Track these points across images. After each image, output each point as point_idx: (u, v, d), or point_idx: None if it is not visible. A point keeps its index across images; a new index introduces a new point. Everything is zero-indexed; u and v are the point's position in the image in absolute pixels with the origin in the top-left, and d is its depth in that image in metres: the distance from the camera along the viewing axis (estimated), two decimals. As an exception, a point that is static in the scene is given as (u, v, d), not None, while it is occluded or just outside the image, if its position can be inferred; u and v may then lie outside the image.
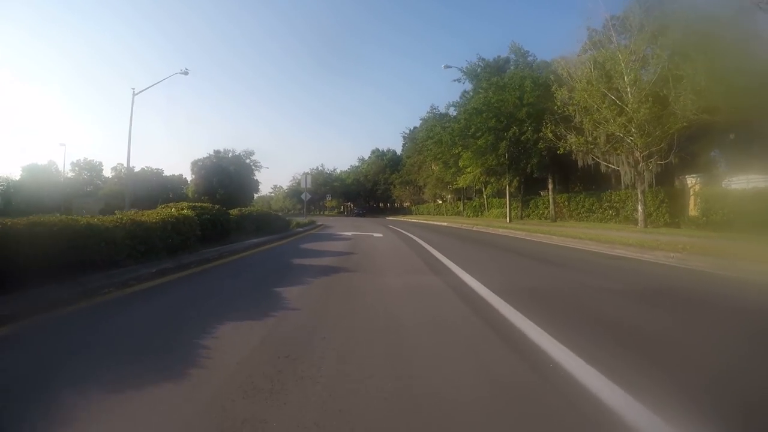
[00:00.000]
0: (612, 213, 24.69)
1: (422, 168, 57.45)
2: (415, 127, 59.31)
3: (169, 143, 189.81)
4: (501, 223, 25.44)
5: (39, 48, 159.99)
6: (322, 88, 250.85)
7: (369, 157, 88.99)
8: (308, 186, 28.47)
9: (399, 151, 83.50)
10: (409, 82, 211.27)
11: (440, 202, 59.20)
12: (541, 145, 23.53)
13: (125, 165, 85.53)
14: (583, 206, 26.90)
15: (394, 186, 71.26)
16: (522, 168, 27.37)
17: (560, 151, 21.96)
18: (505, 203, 36.37)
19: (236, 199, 75.05)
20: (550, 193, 27.38)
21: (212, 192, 72.31)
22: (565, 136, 21.50)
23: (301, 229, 18.57)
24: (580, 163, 23.55)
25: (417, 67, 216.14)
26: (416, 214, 63.64)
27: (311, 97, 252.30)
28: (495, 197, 40.09)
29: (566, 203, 28.24)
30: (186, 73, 32.07)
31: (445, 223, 29.42)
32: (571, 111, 20.83)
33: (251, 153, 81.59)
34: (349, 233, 17.98)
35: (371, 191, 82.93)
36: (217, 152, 75.73)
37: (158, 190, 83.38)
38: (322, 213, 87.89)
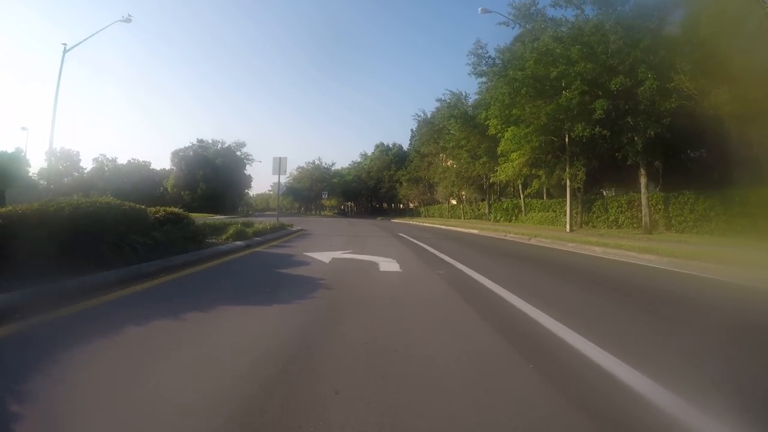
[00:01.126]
0: (747, 222, 15.69)
1: (433, 165, 48.84)
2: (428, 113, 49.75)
3: (159, 134, 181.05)
4: (572, 237, 16.40)
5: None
6: (325, 81, 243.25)
7: (372, 152, 79.87)
8: (284, 173, 19.54)
9: (406, 146, 74.66)
10: (416, 77, 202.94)
11: (454, 202, 50.22)
12: (669, 104, 14.28)
13: (108, 156, 76.54)
14: (691, 211, 17.82)
15: (401, 184, 62.03)
16: (619, 146, 17.91)
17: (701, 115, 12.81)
18: (553, 205, 27.48)
19: (222, 195, 66.50)
20: (643, 190, 18.21)
21: (194, 186, 64.08)
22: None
23: (224, 248, 9.42)
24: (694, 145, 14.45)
25: (425, 62, 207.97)
26: (425, 216, 54.61)
27: (314, 90, 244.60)
28: (533, 197, 31.13)
29: (661, 206, 19.17)
30: (129, 21, 25.08)
31: (475, 231, 20.56)
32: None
33: (242, 145, 72.51)
34: (330, 256, 9.07)
35: (374, 190, 73.71)
36: (201, 141, 66.55)
37: (144, 183, 74.66)
38: (318, 213, 78.93)
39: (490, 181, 27.84)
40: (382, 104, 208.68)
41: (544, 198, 30.61)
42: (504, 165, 23.33)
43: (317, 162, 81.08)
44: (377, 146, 78.98)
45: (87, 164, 75.31)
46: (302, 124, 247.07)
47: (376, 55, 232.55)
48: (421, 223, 33.81)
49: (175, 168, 66.42)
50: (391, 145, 78.42)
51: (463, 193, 43.45)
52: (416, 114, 40.40)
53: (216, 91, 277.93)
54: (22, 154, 64.37)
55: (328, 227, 22.57)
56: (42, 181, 63.00)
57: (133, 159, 76.23)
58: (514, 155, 21.76)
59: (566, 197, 21.30)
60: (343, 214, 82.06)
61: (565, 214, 21.45)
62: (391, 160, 73.04)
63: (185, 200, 60.48)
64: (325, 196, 65.22)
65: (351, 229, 21.36)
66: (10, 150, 63.65)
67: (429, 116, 43.71)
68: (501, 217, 33.59)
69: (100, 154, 77.78)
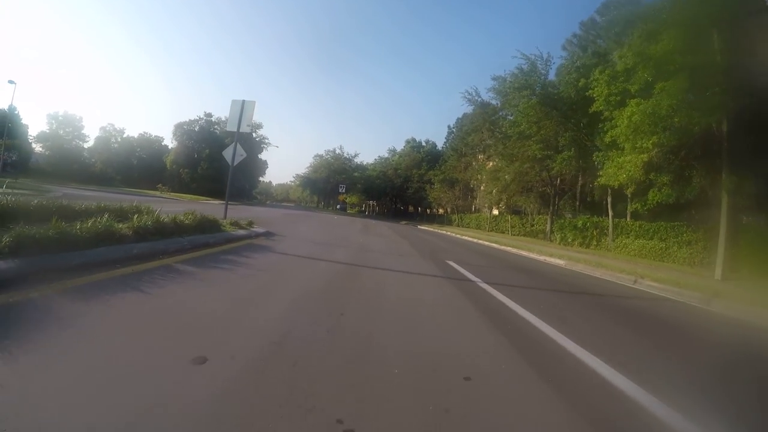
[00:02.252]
0: None
1: (471, 166, 39.94)
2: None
3: (179, 112, 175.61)
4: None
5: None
6: (361, 70, 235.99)
7: (403, 148, 70.95)
8: (249, 125, 11.17)
9: (440, 145, 65.61)
10: (453, 73, 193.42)
11: (496, 212, 41.10)
12: None
13: (116, 126, 69.70)
14: None
15: (431, 185, 52.91)
16: None
17: None
18: (662, 230, 18.21)
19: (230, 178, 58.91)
20: None
21: (194, 164, 56.31)
22: None
23: None
24: None
25: (464, 57, 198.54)
26: (458, 224, 45.61)
27: (347, 80, 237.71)
28: (620, 216, 22.02)
29: None
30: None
31: (561, 262, 11.58)
32: None
33: (258, 126, 64.62)
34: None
35: (401, 189, 64.72)
36: (209, 116, 59.30)
37: (153, 159, 68.17)
38: (335, 209, 70.52)
39: (601, 182, 17.57)
40: (413, 102, 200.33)
41: (627, 218, 21.47)
42: (620, 159, 14.28)
43: (338, 151, 72.33)
44: (408, 141, 70.27)
45: (93, 132, 69.45)
46: (324, 116, 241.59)
47: (413, 46, 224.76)
48: (459, 235, 24.99)
49: (177, 143, 59.12)
50: (423, 142, 69.48)
51: (521, 202, 34.11)
52: (467, 91, 30.84)
53: (238, 74, 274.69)
54: (15, 112, 58.54)
55: (325, 231, 14.21)
56: (39, 146, 56.99)
57: (145, 132, 69.13)
58: (650, 140, 12.74)
59: (708, 219, 12.31)
60: (362, 213, 73.33)
61: (702, 247, 12.48)
62: (423, 157, 64.08)
63: (183, 179, 53.20)
64: (342, 190, 55.99)
65: (358, 239, 12.93)
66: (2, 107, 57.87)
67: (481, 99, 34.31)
68: (572, 239, 24.37)
69: (108, 123, 71.85)
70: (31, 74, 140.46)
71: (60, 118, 56.78)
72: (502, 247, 17.24)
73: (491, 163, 36.46)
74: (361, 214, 67.51)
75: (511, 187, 29.64)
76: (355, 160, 73.64)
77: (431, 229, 33.96)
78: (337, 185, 61.71)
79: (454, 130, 56.90)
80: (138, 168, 62.75)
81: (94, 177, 50.39)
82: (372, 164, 74.74)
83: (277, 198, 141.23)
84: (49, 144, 54.42)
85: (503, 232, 35.23)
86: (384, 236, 16.29)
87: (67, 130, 58.53)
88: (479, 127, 35.10)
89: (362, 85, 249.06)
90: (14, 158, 48.04)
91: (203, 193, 48.20)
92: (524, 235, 31.56)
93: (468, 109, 38.34)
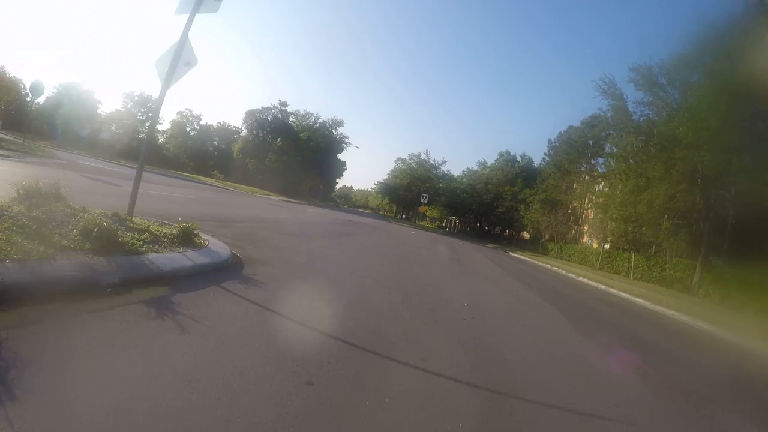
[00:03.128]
0: None
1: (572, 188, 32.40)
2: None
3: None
4: None
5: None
6: (450, 81, 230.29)
7: (495, 161, 63.55)
8: (183, 72, 5.70)
9: (537, 161, 57.59)
10: (553, 85, 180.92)
11: (607, 246, 33.12)
12: None
13: (194, 112, 68.18)
14: None
15: (527, 206, 45.31)
16: None
17: None
18: None
19: (300, 177, 52.83)
20: None
21: (262, 156, 51.93)
22: None
23: None
24: None
25: (565, 68, 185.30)
26: (557, 256, 37.94)
27: (438, 86, 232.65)
28: None
29: None
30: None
31: None
32: None
33: (339, 123, 60.53)
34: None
35: (489, 207, 57.17)
36: (284, 105, 55.69)
37: (230, 150, 67.80)
38: (415, 221, 64.77)
39: None
40: (506, 112, 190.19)
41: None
42: None
43: (423, 156, 65.24)
44: (501, 154, 62.59)
45: (168, 116, 69.54)
46: (413, 123, 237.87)
47: (510, 60, 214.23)
48: (574, 275, 18.46)
49: (246, 131, 56.71)
50: (519, 157, 61.53)
51: (648, 236, 26.17)
52: (602, 80, 23.75)
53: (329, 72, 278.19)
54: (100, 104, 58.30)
55: (388, 263, 8.88)
56: (112, 126, 56.60)
57: (223, 122, 68.37)
58: None
59: None
60: (442, 228, 66.81)
61: None
62: (517, 173, 56.38)
63: (249, 170, 50.50)
64: (424, 200, 49.54)
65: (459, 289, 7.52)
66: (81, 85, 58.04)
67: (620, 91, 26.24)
68: (741, 302, 16.71)
69: (186, 108, 70.97)
70: (110, 53, 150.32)
71: (135, 98, 56.49)
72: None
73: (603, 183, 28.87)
74: (440, 229, 60.78)
75: (646, 216, 22.18)
76: (442, 168, 66.71)
77: (523, 257, 27.43)
78: (418, 194, 55.47)
79: (556, 143, 49.02)
80: (213, 156, 61.79)
81: (166, 161, 49.38)
82: (459, 176, 67.20)
83: (356, 203, 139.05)
84: (122, 123, 54.21)
85: (618, 273, 27.74)
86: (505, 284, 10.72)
87: (141, 111, 58.13)
88: (617, 126, 26.50)
89: (452, 94, 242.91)
90: (87, 133, 48.10)
91: (267, 188, 45.13)
92: (651, 282, 24.05)
93: (578, 117, 31.00)
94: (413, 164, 65.85)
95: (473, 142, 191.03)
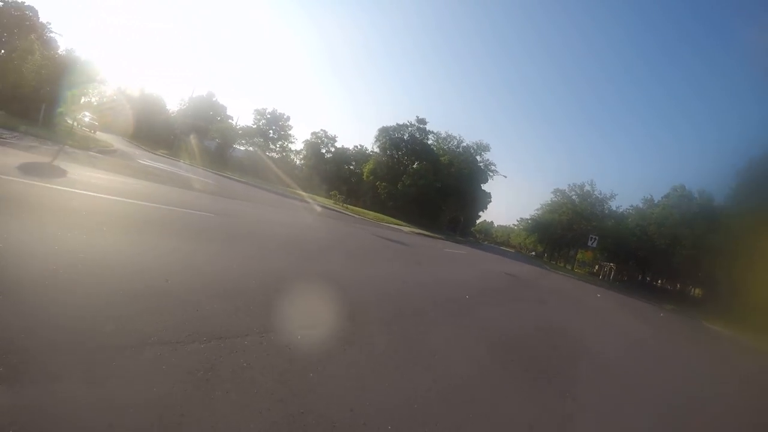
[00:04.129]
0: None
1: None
2: None
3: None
4: None
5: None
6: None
7: (665, 196, 51.72)
8: None
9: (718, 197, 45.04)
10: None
11: None
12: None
13: (328, 133, 61.21)
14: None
15: (722, 254, 34.25)
16: None
17: None
18: None
19: (437, 207, 48.73)
20: None
21: (395, 179, 47.79)
22: None
23: None
24: None
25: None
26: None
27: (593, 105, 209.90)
28: None
29: None
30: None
31: None
32: None
33: (485, 148, 55.01)
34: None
35: (662, 253, 46.01)
36: (422, 122, 51.29)
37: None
38: (568, 266, 54.82)
39: None
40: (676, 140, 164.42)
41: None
42: None
43: (587, 188, 54.32)
44: (674, 188, 50.64)
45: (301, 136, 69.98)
46: (567, 151, 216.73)
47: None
48: None
49: (379, 150, 52.93)
50: (695, 193, 49.23)
51: None
52: None
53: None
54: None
55: None
56: (244, 142, 55.57)
57: (360, 146, 66.01)
58: None
59: None
60: (593, 275, 55.27)
61: None
62: (696, 213, 44.67)
63: (380, 194, 46.22)
64: (592, 243, 39.62)
65: None
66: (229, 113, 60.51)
67: None
68: None
69: (321, 129, 71.19)
70: (243, 71, 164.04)
71: (267, 115, 56.74)
72: None
73: None
74: (590, 276, 50.18)
75: None
76: (610, 204, 55.59)
77: None
78: (579, 234, 45.81)
79: (753, 171, 36.91)
80: (349, 182, 59.52)
81: (299, 180, 48.12)
82: (622, 212, 56.04)
83: (496, 240, 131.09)
84: (252, 140, 54.40)
85: None
86: None
87: (273, 128, 58.26)
88: None
89: (607, 116, 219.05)
90: (216, 143, 48.35)
91: (399, 216, 40.44)
92: None
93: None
94: (574, 197, 55.95)
95: (627, 172, 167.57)
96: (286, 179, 41.13)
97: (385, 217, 35.39)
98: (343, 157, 62.21)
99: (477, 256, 24.55)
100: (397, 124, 52.79)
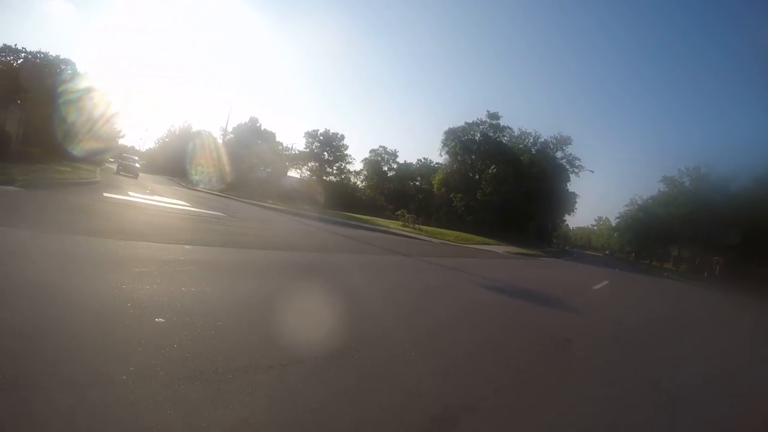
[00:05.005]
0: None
1: None
2: None
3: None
4: None
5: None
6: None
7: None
8: None
9: None
10: None
11: None
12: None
13: (388, 149, 48.16)
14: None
15: None
16: None
17: None
18: None
19: (526, 214, 41.80)
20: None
21: (472, 188, 41.31)
22: None
23: None
24: None
25: None
26: None
27: None
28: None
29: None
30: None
31: None
32: None
33: (566, 141, 48.35)
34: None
35: None
36: (494, 117, 44.79)
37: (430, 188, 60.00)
38: (661, 264, 45.80)
39: None
40: None
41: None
42: None
43: (703, 170, 44.26)
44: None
45: (358, 153, 65.81)
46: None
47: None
48: None
49: (448, 156, 46.86)
50: None
51: None
52: None
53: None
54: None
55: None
56: (305, 169, 52.86)
57: (424, 159, 60.15)
58: None
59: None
60: (699, 276, 43.74)
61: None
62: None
63: (456, 208, 40.12)
64: (735, 239, 30.85)
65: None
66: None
67: None
68: None
69: (380, 146, 65.88)
70: (293, 93, 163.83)
71: (320, 137, 52.86)
72: None
73: None
74: (697, 277, 39.48)
75: None
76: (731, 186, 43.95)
77: None
78: (709, 231, 36.78)
79: None
80: (416, 199, 54.35)
81: (361, 203, 43.54)
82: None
83: (576, 243, 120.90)
84: (308, 164, 51.19)
85: None
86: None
87: (327, 149, 54.07)
88: None
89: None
90: (268, 171, 45.09)
91: (482, 231, 34.31)
92: None
93: None
94: (687, 183, 45.81)
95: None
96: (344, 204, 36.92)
97: (468, 236, 29.81)
98: (407, 173, 57.36)
99: (624, 283, 18.26)
100: (466, 123, 46.81)
